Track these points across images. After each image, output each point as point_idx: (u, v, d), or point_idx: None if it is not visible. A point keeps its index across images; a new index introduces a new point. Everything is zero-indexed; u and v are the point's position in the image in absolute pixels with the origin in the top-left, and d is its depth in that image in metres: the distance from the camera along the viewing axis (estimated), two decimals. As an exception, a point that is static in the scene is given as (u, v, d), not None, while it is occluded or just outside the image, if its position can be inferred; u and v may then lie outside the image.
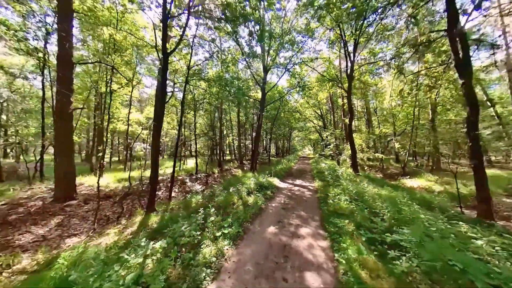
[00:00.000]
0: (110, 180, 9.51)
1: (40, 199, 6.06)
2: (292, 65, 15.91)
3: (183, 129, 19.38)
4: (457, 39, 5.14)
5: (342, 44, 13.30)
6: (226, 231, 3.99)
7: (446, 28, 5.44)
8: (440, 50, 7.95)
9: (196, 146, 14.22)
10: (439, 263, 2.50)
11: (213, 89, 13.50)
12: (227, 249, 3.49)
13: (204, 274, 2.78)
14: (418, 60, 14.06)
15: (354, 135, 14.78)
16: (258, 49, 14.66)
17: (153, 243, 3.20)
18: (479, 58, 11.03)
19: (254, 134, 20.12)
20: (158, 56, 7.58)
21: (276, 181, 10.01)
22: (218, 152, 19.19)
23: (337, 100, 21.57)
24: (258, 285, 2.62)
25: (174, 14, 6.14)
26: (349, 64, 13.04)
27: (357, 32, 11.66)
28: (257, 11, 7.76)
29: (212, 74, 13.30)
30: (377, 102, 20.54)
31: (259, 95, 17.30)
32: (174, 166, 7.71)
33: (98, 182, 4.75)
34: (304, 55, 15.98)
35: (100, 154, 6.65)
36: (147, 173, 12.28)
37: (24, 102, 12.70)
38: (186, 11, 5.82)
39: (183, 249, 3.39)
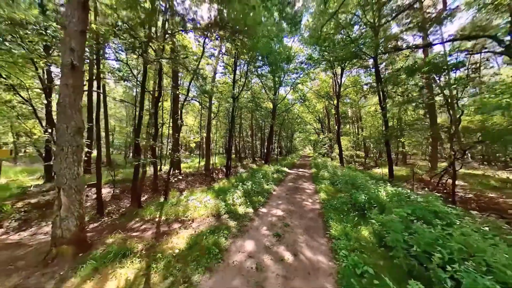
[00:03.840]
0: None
1: (163, 174, 11.42)
2: (295, 84, 21.21)
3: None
4: (380, 91, 10.45)
5: (332, 72, 18.56)
6: (271, 183, 9.32)
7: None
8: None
9: (229, 145, 19.53)
10: (349, 183, 7.84)
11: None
12: (274, 187, 8.82)
13: (270, 190, 8.11)
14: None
15: (341, 137, 20.03)
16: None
17: (246, 182, 8.49)
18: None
19: (264, 137, 25.46)
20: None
21: (286, 169, 15.32)
22: (238, 150, 24.53)
23: (331, 109, 26.85)
24: (289, 192, 7.96)
25: (238, 77, 11.51)
26: (337, 87, 18.27)
27: (342, 65, 16.91)
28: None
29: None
30: (362, 111, 25.82)
31: (270, 105, 22.56)
32: (229, 158, 13.04)
33: (206, 163, 10.07)
34: (305, 75, 21.23)
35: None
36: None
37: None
38: (245, 74, 11.18)
39: (258, 185, 8.73)
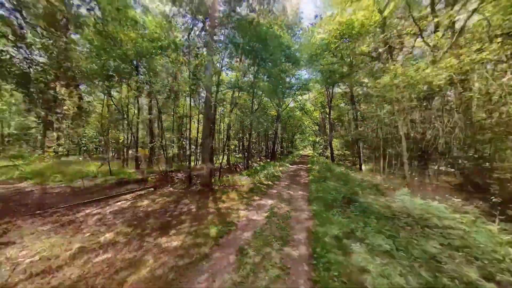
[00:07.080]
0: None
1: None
2: (295, 95, 25.98)
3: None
4: (353, 111, 15.19)
5: (325, 86, 23.28)
6: (279, 172, 14.08)
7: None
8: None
9: (249, 148, 24.30)
10: (327, 170, 12.62)
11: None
12: (281, 174, 13.60)
13: (279, 175, 12.88)
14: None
15: (333, 140, 24.77)
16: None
17: (265, 171, 13.25)
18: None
19: (268, 139, 30.29)
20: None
21: (288, 165, 20.13)
22: (249, 150, 29.33)
23: (326, 116, 31.59)
24: (291, 176, 12.74)
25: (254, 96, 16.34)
26: (329, 99, 22.96)
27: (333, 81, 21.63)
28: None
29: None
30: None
31: (275, 112, 27.35)
32: (248, 156, 17.80)
33: (227, 160, 14.86)
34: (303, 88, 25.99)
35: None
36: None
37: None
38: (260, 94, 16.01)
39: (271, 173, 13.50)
